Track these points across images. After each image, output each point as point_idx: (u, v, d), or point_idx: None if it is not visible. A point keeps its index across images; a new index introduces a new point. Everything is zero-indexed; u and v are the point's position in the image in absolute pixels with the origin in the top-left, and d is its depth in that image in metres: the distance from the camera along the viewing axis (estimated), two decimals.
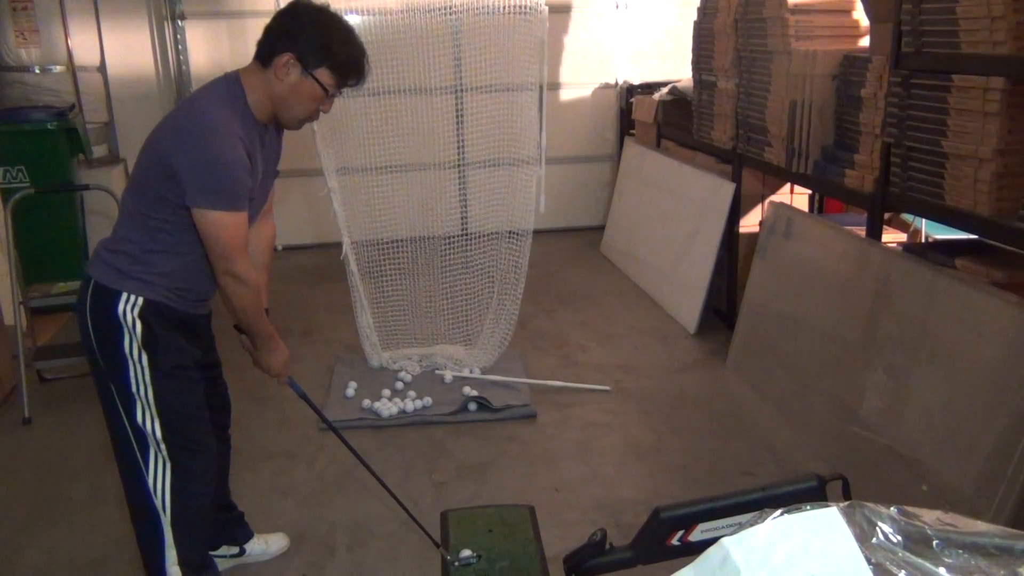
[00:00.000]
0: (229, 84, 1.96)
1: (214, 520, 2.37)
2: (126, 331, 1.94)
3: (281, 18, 1.96)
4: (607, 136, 6.54)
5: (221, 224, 1.88)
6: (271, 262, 2.33)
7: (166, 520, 2.05)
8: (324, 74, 1.95)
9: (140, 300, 1.94)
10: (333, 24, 1.96)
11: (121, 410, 1.99)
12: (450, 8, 3.63)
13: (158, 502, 2.03)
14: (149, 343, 1.96)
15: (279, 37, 1.93)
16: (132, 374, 1.96)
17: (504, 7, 3.51)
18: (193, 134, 1.86)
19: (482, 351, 3.89)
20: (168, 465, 2.03)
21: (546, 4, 3.50)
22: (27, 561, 2.60)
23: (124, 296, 1.94)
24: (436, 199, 4.01)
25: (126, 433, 2.01)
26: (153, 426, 2.00)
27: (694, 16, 4.70)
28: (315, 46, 1.92)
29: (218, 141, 1.85)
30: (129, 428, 2.00)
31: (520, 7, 3.50)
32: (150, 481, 2.02)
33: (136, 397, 1.97)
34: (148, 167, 1.93)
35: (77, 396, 3.75)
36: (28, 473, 3.13)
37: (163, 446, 2.01)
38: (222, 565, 2.44)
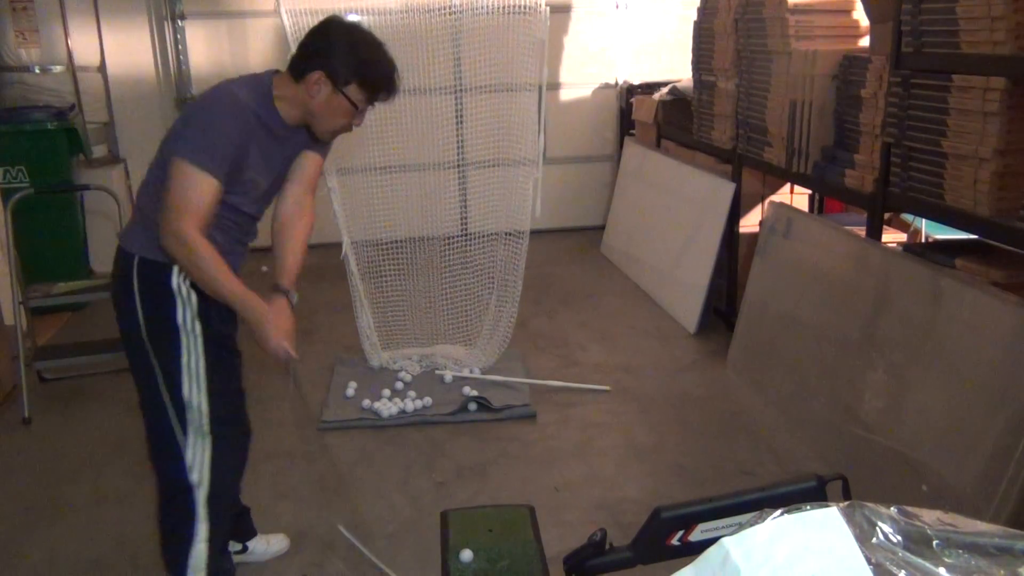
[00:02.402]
0: (259, 77, 2.03)
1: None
2: (180, 301, 1.97)
3: (313, 36, 2.04)
4: (607, 136, 6.54)
5: (187, 176, 1.85)
6: (303, 252, 2.23)
7: (201, 494, 2.04)
8: (354, 91, 2.01)
9: None
10: (364, 41, 2.02)
11: (163, 385, 1.99)
12: (450, 8, 3.63)
13: (195, 476, 2.03)
14: (203, 312, 1.99)
15: (311, 55, 2.00)
16: (184, 345, 1.98)
17: (504, 7, 3.51)
18: (205, 98, 1.97)
19: (482, 351, 3.89)
20: (208, 440, 2.03)
21: (547, 4, 3.50)
22: (27, 561, 2.60)
23: (176, 268, 1.96)
24: (435, 199, 4.01)
25: (164, 409, 2.00)
26: (200, 399, 2.00)
27: (694, 16, 4.71)
28: (345, 64, 1.98)
29: (224, 104, 1.92)
30: (171, 403, 1.99)
31: (520, 7, 3.50)
32: (188, 455, 2.02)
33: (185, 369, 1.98)
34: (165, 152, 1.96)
35: (77, 396, 3.76)
36: (28, 473, 3.13)
37: (206, 420, 2.01)
38: None
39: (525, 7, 3.50)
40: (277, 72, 2.06)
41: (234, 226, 2.07)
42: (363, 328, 3.88)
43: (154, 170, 2.00)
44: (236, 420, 2.18)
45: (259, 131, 1.99)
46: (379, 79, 2.03)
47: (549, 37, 5.17)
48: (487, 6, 3.54)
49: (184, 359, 1.98)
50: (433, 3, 3.61)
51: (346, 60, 1.98)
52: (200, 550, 2.06)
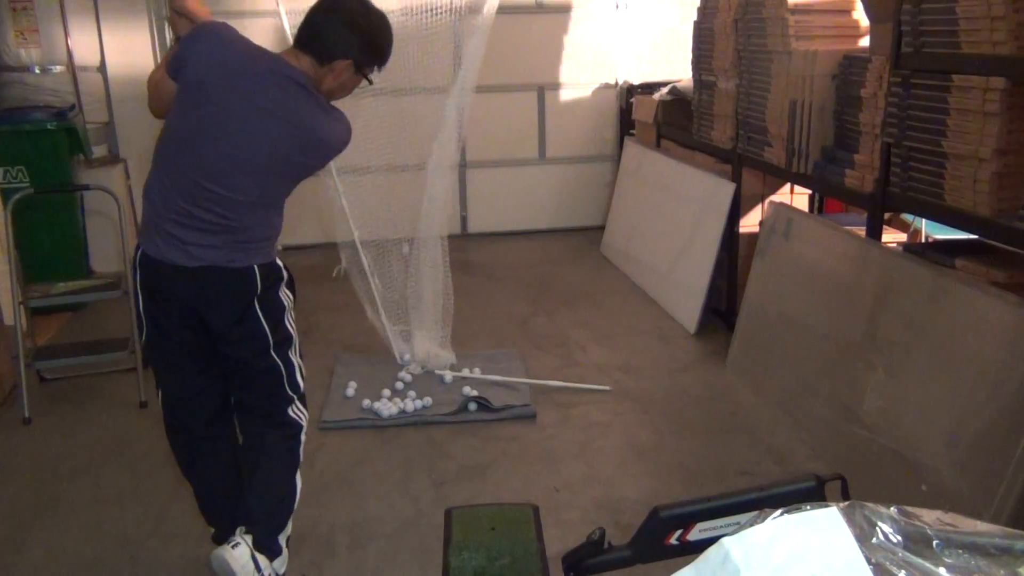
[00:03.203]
0: (292, 73, 2.09)
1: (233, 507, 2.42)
2: (283, 279, 2.26)
3: (334, 23, 2.11)
4: (607, 136, 6.54)
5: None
6: None
7: (304, 426, 2.37)
8: (371, 70, 2.21)
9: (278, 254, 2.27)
10: (382, 27, 2.19)
11: (278, 355, 2.24)
12: (449, 8, 3.62)
13: (303, 422, 2.36)
14: (290, 284, 2.30)
15: (336, 44, 2.10)
16: (287, 314, 2.27)
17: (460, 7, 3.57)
18: (344, 132, 2.23)
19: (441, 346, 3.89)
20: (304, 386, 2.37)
21: (542, 4, 3.52)
22: (27, 561, 2.60)
23: (277, 259, 2.25)
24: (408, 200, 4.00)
25: (280, 373, 2.26)
26: (298, 356, 2.32)
27: (694, 16, 4.71)
28: (371, 53, 2.17)
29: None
30: (284, 366, 2.26)
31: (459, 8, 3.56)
32: (297, 402, 2.34)
33: (293, 334, 2.29)
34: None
35: (77, 396, 3.76)
36: (28, 473, 3.13)
37: (304, 368, 2.35)
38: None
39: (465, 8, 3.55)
40: (299, 64, 2.10)
41: None
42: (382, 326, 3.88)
43: (268, 192, 2.15)
44: None
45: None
46: (388, 55, 2.23)
47: (550, 37, 5.17)
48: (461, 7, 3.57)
49: (288, 326, 2.26)
50: (433, 3, 3.61)
51: (371, 50, 2.16)
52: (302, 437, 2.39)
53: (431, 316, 3.90)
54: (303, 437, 2.37)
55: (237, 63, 2.05)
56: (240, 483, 2.41)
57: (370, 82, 2.23)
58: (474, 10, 3.55)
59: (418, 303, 3.87)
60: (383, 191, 3.89)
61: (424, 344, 3.92)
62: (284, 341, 2.26)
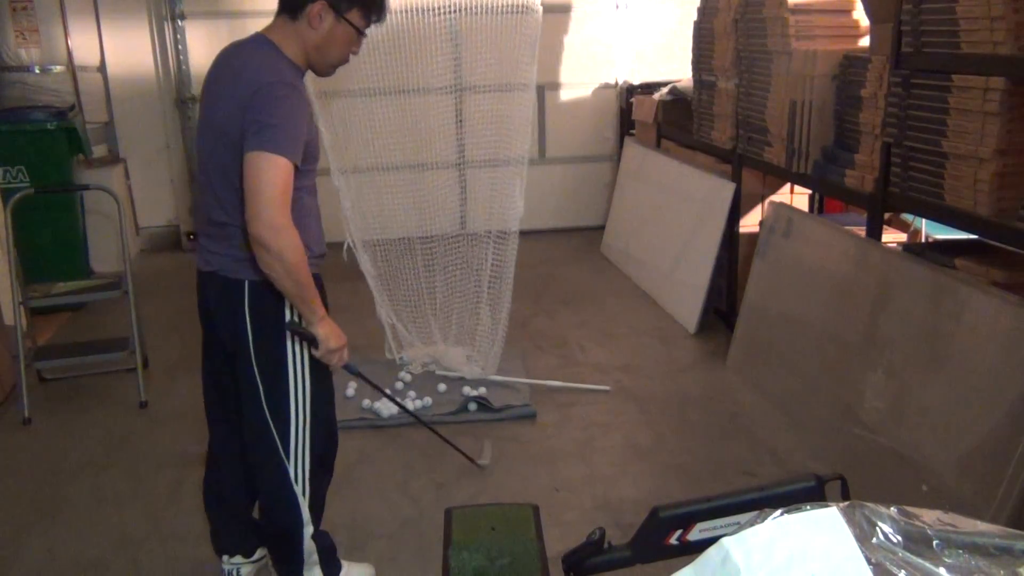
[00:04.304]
0: (259, 45, 1.98)
1: (245, 525, 2.39)
2: (288, 315, 2.07)
3: None
4: (607, 136, 6.55)
5: (277, 166, 1.85)
6: None
7: (304, 502, 2.17)
8: (356, 16, 1.99)
9: None
10: None
11: (264, 396, 2.06)
12: (450, 7, 3.61)
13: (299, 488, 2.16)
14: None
15: None
16: (294, 357, 2.08)
17: (501, 7, 3.51)
18: (272, 94, 1.89)
19: (483, 359, 3.85)
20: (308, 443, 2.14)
21: (541, 4, 3.49)
22: (27, 561, 2.60)
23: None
24: (435, 198, 3.99)
25: (263, 417, 2.07)
26: (302, 417, 2.10)
27: (694, 16, 4.71)
28: None
29: (292, 95, 1.91)
30: (274, 418, 2.07)
31: (516, 7, 3.49)
32: (299, 467, 2.14)
33: (291, 384, 2.08)
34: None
35: (77, 396, 3.76)
36: (28, 473, 3.13)
37: (308, 420, 2.11)
38: (244, 570, 2.43)
39: (520, 7, 3.49)
40: (265, 30, 2.02)
41: (313, 188, 2.13)
42: (386, 325, 3.88)
43: (233, 184, 1.96)
44: (328, 421, 2.28)
45: (304, 97, 1.97)
46: (377, 0, 2.03)
47: (549, 37, 5.11)
48: (484, 5, 3.53)
49: (291, 369, 2.07)
50: (434, 3, 3.61)
51: None
52: (309, 545, 2.24)
53: (472, 328, 3.85)
54: (302, 502, 2.16)
55: (216, 64, 2.06)
56: (236, 507, 2.37)
57: (363, 34, 2.03)
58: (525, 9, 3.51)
59: (448, 311, 3.84)
60: (399, 189, 3.88)
61: (450, 353, 3.90)
62: (278, 383, 2.07)
